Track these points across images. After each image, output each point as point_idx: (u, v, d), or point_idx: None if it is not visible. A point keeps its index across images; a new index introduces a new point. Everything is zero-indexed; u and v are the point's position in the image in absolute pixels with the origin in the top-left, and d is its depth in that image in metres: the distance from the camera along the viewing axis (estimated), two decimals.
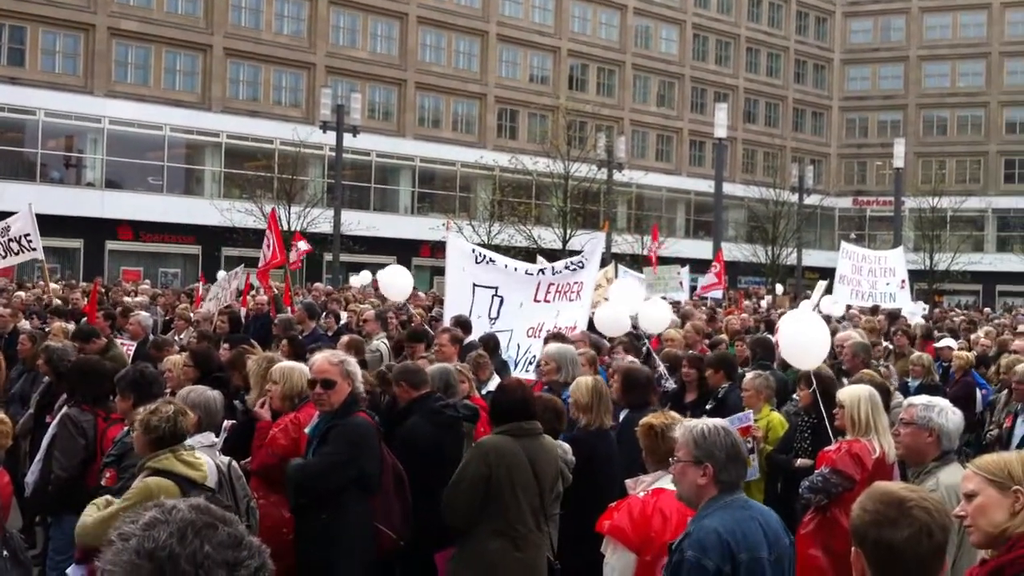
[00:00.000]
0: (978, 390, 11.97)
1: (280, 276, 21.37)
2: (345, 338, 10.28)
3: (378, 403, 7.82)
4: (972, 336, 16.04)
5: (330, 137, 38.19)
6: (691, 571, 3.84)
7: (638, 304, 10.68)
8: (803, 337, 7.69)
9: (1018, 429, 8.15)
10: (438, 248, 45.65)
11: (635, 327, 12.42)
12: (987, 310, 35.51)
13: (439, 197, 52.08)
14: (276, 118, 46.19)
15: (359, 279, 30.15)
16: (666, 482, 4.81)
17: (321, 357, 6.25)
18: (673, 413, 5.57)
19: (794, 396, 8.40)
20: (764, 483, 7.88)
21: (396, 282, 13.44)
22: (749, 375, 8.41)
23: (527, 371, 11.10)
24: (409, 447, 6.62)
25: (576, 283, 11.89)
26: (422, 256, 47.27)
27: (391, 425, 7.04)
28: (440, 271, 46.02)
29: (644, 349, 11.47)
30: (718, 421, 4.20)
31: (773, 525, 4.10)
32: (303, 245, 22.28)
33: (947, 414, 5.11)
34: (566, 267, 12.26)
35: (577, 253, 13.26)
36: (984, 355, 13.78)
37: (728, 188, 48.65)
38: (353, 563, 5.81)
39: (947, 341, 14.59)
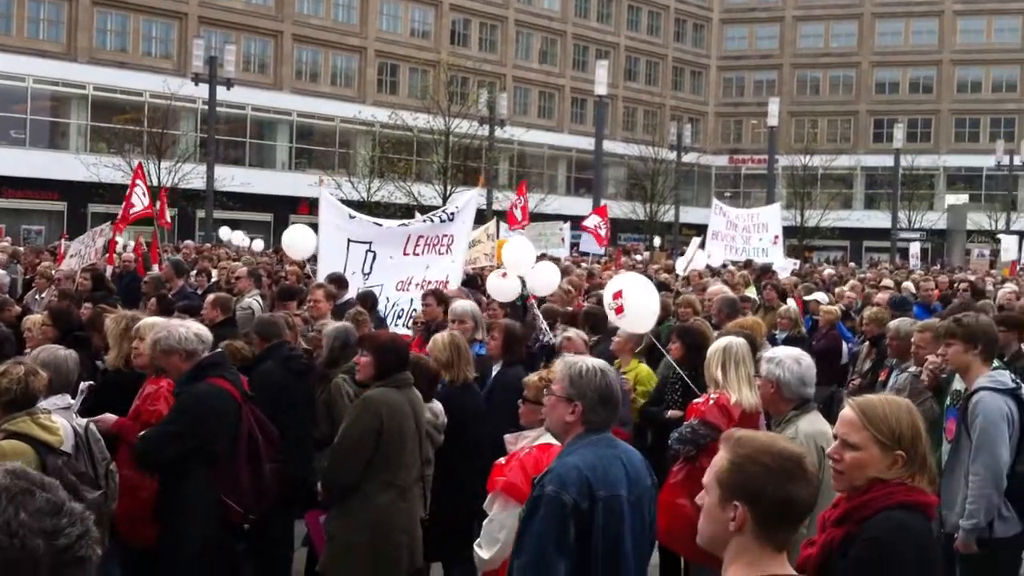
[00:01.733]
0: (844, 343, 12.34)
1: (149, 234, 20.69)
2: (210, 296, 9.97)
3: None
4: (837, 290, 16.52)
5: (203, 90, 37.15)
6: (549, 505, 3.82)
7: (528, 268, 10.67)
8: (632, 301, 7.70)
9: (891, 382, 8.38)
10: (316, 205, 44.62)
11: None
12: (852, 265, 36.74)
13: (317, 153, 51.13)
14: (146, 70, 44.55)
15: (237, 237, 29.43)
16: (551, 437, 4.80)
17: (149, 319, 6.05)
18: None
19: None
20: (634, 435, 7.97)
21: (297, 243, 13.05)
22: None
23: (396, 325, 11.00)
24: (258, 392, 6.46)
25: (446, 236, 11.76)
26: (300, 213, 46.22)
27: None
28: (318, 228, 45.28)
29: (524, 304, 11.46)
30: (598, 362, 4.17)
31: (636, 465, 4.10)
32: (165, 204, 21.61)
33: (787, 365, 5.13)
34: (437, 218, 12.14)
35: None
36: (849, 308, 14.20)
37: (609, 146, 49.08)
38: (190, 535, 5.59)
39: (817, 295, 14.97)
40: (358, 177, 43.23)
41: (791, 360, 5.18)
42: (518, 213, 22.89)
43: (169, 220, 22.13)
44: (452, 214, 12.09)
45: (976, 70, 66.45)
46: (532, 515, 3.88)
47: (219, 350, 6.02)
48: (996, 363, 6.05)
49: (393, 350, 5.98)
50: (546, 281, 10.67)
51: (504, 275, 9.90)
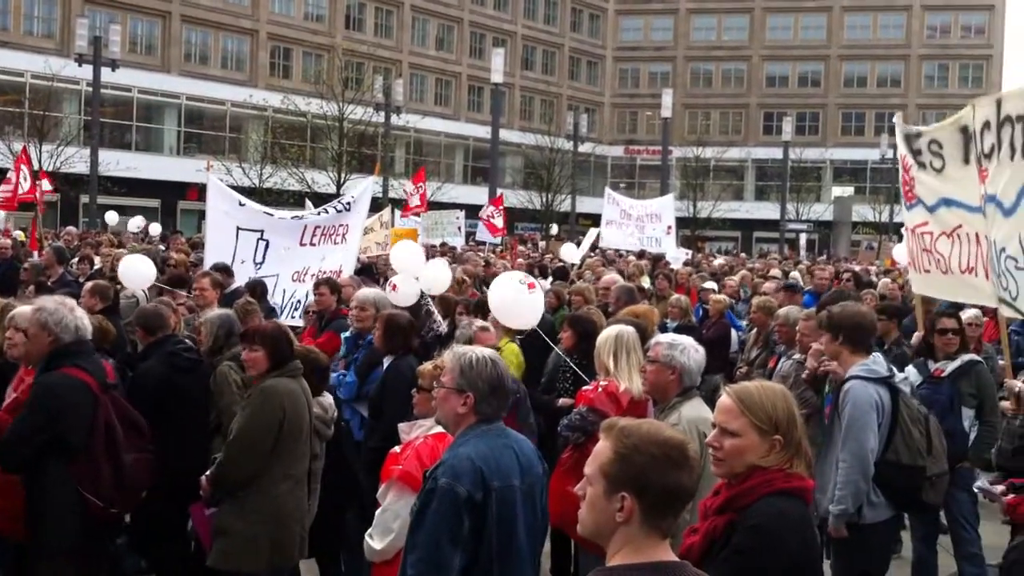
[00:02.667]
0: (733, 331, 12.54)
1: (29, 219, 19.92)
2: (88, 284, 9.59)
3: None
4: (724, 280, 16.80)
5: (87, 71, 36.11)
6: (443, 497, 3.79)
7: (420, 267, 10.57)
8: (512, 300, 7.66)
9: (779, 368, 8.51)
10: (205, 191, 43.61)
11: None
12: (743, 255, 37.53)
13: (207, 138, 50.01)
14: (27, 49, 42.91)
15: (135, 223, 28.54)
16: None
17: (22, 308, 5.76)
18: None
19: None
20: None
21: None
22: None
23: (293, 317, 10.81)
24: (140, 391, 6.23)
25: (342, 225, 11.61)
26: (189, 199, 45.23)
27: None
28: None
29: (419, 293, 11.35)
30: (488, 352, 4.16)
31: (527, 453, 4.10)
32: (47, 184, 20.86)
33: (689, 352, 5.22)
34: (334, 208, 11.94)
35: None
36: (735, 297, 14.45)
37: (505, 134, 49.14)
38: (53, 530, 5.36)
39: (708, 284, 15.20)
40: (249, 163, 42.40)
41: (692, 348, 5.25)
42: (416, 200, 22.69)
43: (45, 205, 21.29)
44: (349, 203, 11.92)
45: (862, 65, 68.54)
46: (425, 508, 3.84)
47: (69, 339, 5.68)
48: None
49: (283, 340, 5.88)
50: (439, 280, 10.55)
51: (395, 287, 9.76)
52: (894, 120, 9.39)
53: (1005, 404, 7.46)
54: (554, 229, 44.40)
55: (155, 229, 28.65)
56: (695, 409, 5.11)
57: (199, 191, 41.29)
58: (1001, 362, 8.25)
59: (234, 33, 51.40)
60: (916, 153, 8.41)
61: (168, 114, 49.23)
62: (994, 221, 6.93)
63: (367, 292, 8.82)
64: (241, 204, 11.63)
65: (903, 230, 9.23)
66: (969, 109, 7.52)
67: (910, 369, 7.27)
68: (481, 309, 9.10)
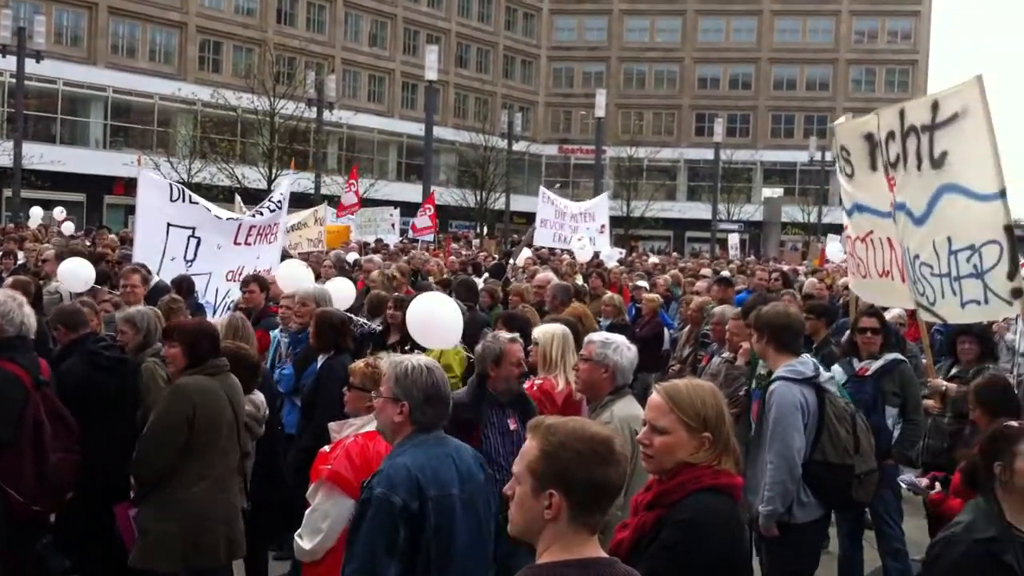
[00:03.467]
0: (665, 329, 12.65)
1: None
2: (9, 279, 9.34)
3: None
4: (655, 279, 16.95)
5: (10, 62, 35.37)
6: (378, 507, 3.77)
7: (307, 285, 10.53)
8: (431, 318, 7.47)
9: (709, 366, 8.58)
10: (133, 185, 42.74)
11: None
12: (675, 254, 37.88)
13: (135, 131, 48.96)
14: None
15: (58, 213, 27.85)
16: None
17: None
18: (384, 355, 5.45)
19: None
20: None
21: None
22: None
23: (225, 315, 10.64)
24: (62, 391, 6.09)
25: (275, 224, 11.55)
26: (116, 194, 44.32)
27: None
28: (135, 210, 43.40)
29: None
30: (425, 360, 4.14)
31: (468, 461, 4.08)
32: None
33: (622, 351, 5.24)
34: (267, 209, 11.83)
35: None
36: (668, 296, 14.59)
37: (439, 132, 49.03)
38: None
39: (640, 283, 15.31)
40: (178, 158, 41.69)
41: (624, 346, 5.28)
42: (351, 197, 22.48)
43: None
44: (280, 202, 11.83)
45: (791, 69, 69.58)
46: (361, 518, 3.83)
47: (12, 333, 5.56)
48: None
49: (203, 336, 5.81)
50: (295, 277, 10.41)
51: (310, 240, 9.68)
52: (835, 125, 9.45)
53: (929, 402, 7.63)
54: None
55: (68, 228, 27.91)
56: (627, 407, 5.12)
57: (126, 185, 40.57)
58: (924, 361, 8.43)
59: (162, 25, 50.45)
60: (836, 159, 8.61)
61: (94, 107, 48.15)
62: (906, 229, 7.07)
63: (307, 288, 8.82)
64: (173, 199, 11.37)
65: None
66: (873, 117, 7.64)
67: (836, 368, 7.31)
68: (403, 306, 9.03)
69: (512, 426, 5.35)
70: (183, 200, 11.31)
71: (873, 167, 7.79)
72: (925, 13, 68.36)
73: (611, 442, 2.70)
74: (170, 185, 11.57)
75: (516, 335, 5.64)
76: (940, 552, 3.90)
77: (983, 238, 6.48)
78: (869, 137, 7.77)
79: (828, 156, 57.10)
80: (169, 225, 11.12)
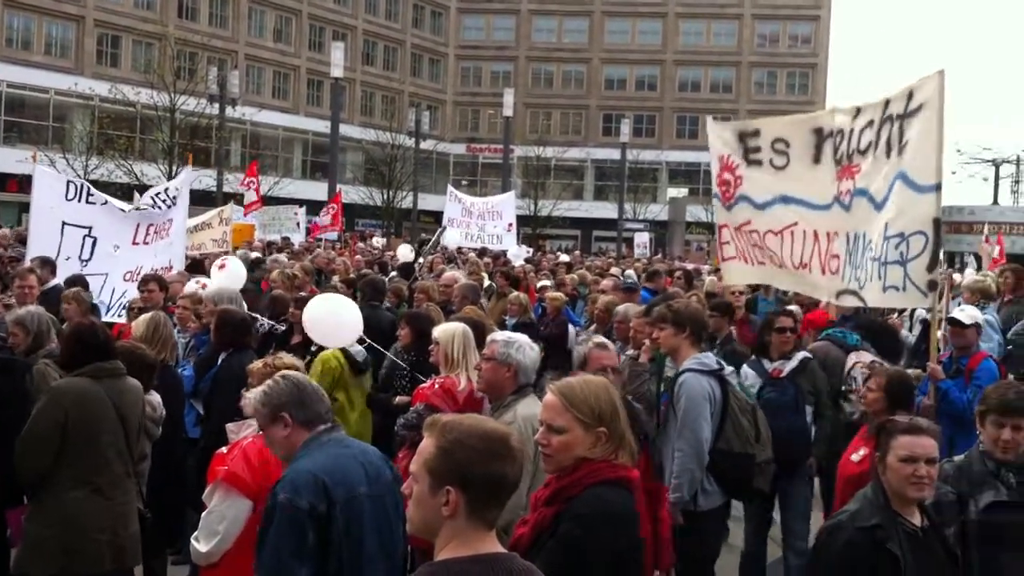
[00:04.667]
0: (571, 327, 12.68)
1: None
2: None
3: None
4: (560, 277, 17.03)
5: None
6: (283, 513, 3.74)
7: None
8: (329, 317, 7.42)
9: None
10: (27, 183, 41.49)
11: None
12: (577, 253, 38.17)
13: (29, 127, 47.41)
14: None
15: None
16: None
17: None
18: (284, 355, 5.36)
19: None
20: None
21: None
22: None
23: (120, 316, 10.42)
24: None
25: (169, 220, 11.31)
26: (9, 191, 42.88)
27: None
28: (29, 208, 42.07)
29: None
30: (286, 370, 4.24)
31: (374, 461, 4.07)
32: None
33: (525, 350, 5.27)
34: (163, 204, 11.55)
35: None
36: (574, 295, 14.66)
37: (346, 130, 48.58)
38: None
39: (545, 282, 15.36)
40: (74, 154, 40.51)
41: (527, 345, 5.31)
42: (251, 195, 22.04)
43: None
44: (175, 197, 11.59)
45: (696, 71, 70.71)
46: (267, 526, 3.79)
47: None
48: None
49: (80, 339, 5.69)
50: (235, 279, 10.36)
51: (214, 240, 9.56)
52: (709, 124, 9.51)
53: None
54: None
55: None
56: (530, 406, 5.12)
57: (19, 183, 39.24)
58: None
59: (59, 18, 48.92)
60: (752, 151, 8.57)
61: None
62: (866, 215, 7.20)
63: (210, 290, 8.83)
64: (69, 198, 11.08)
65: (719, 228, 9.43)
66: (828, 113, 7.82)
67: (747, 370, 7.33)
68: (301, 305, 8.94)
69: None
70: (79, 199, 11.09)
71: (816, 160, 7.90)
72: (824, 18, 70.12)
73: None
74: (67, 182, 11.34)
75: (604, 340, 5.26)
76: (827, 539, 4.02)
77: (913, 228, 6.69)
78: (819, 131, 7.88)
79: None
80: (64, 224, 10.92)
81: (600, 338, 5.03)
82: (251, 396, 4.21)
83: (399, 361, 7.73)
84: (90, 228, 11.00)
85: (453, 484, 2.64)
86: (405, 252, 19.69)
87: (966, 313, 7.79)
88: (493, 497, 2.67)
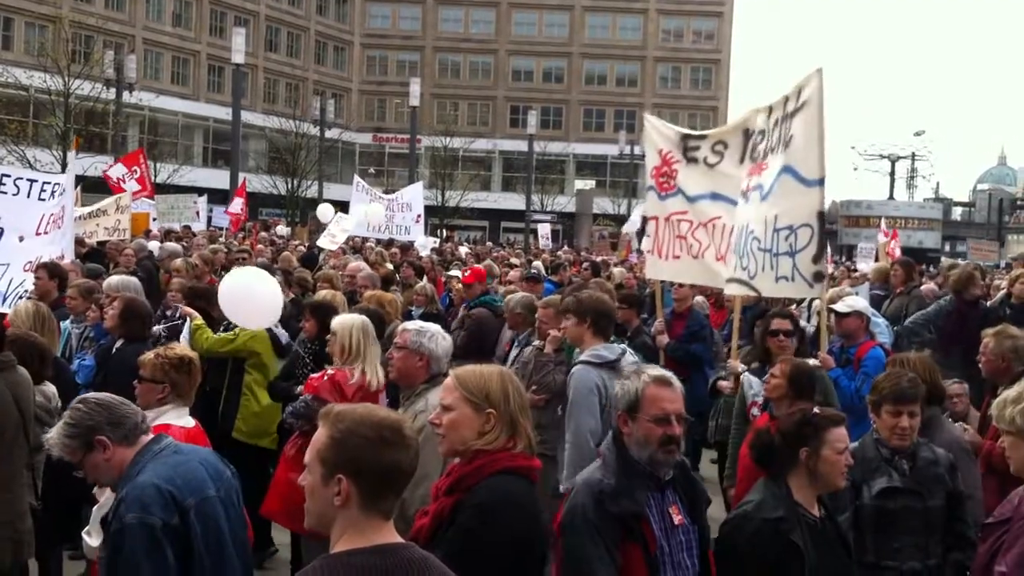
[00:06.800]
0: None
1: None
2: None
3: None
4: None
5: None
6: (135, 534, 3.56)
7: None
8: (248, 295, 7.28)
9: (512, 353, 8.66)
10: None
11: None
12: (489, 244, 38.20)
13: None
14: None
15: None
16: (171, 417, 4.66)
17: None
18: (176, 344, 5.31)
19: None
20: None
21: None
22: None
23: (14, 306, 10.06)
24: None
25: (61, 208, 10.97)
26: None
27: None
28: None
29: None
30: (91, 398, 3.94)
31: (212, 462, 3.98)
32: None
33: (437, 339, 5.27)
34: (57, 193, 11.20)
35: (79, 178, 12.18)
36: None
37: (249, 117, 47.71)
38: None
39: (453, 272, 15.29)
40: None
41: (440, 335, 5.31)
42: (134, 184, 21.31)
43: None
44: (60, 184, 11.26)
45: (602, 64, 71.34)
46: (118, 552, 3.59)
47: None
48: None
49: None
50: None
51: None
52: (647, 118, 9.74)
53: (724, 384, 7.89)
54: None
55: None
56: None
57: None
58: (727, 346, 8.75)
59: None
60: (691, 149, 8.80)
61: None
62: (755, 206, 7.39)
63: (111, 280, 8.67)
64: None
65: (643, 217, 9.63)
66: (753, 113, 8.02)
67: (750, 378, 7.03)
68: (194, 295, 8.77)
69: (676, 518, 3.79)
70: None
71: (741, 159, 8.15)
72: (727, 15, 71.35)
73: (400, 426, 2.70)
74: None
75: (666, 375, 3.89)
76: (732, 530, 4.06)
77: (800, 220, 6.95)
78: (746, 132, 8.14)
79: (637, 150, 59.05)
80: None
81: (659, 371, 3.89)
82: (52, 435, 3.87)
83: (301, 351, 7.62)
84: None
85: (345, 473, 2.61)
86: (325, 212, 19.41)
87: (844, 303, 7.95)
88: (386, 486, 2.65)
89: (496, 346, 9.56)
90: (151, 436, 3.94)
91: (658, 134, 9.25)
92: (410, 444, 2.69)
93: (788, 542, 3.92)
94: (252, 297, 7.19)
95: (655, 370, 3.91)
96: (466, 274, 11.57)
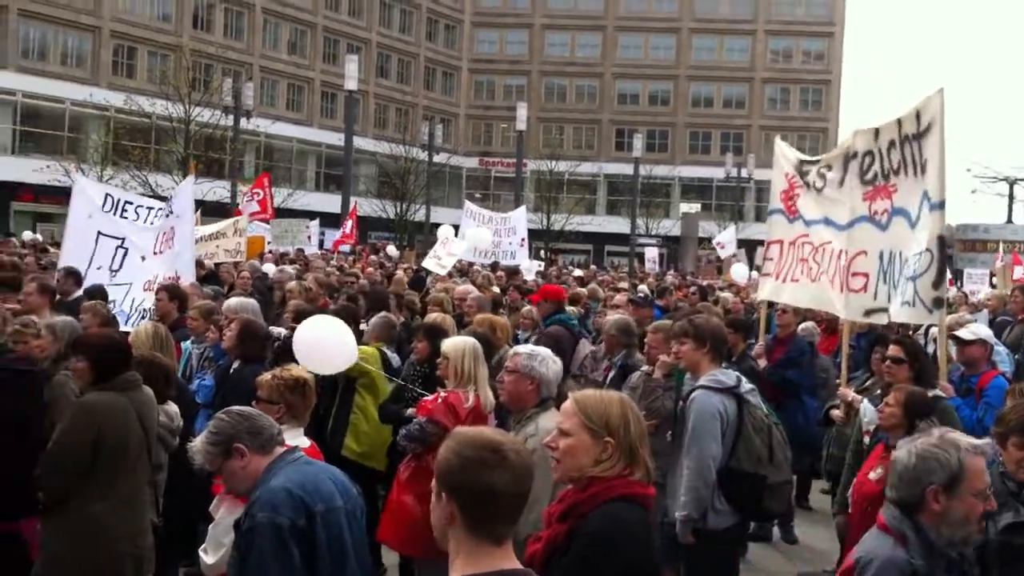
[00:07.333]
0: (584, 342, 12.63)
1: None
2: None
3: None
4: (574, 292, 16.95)
5: None
6: (265, 532, 3.69)
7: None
8: (321, 344, 6.96)
9: (629, 379, 8.64)
10: (42, 192, 41.92)
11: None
12: (593, 267, 38.08)
13: (45, 137, 47.48)
14: None
15: None
16: (287, 437, 4.62)
17: None
18: (293, 366, 5.41)
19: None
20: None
21: None
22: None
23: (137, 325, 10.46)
24: None
25: (171, 228, 11.39)
26: (23, 200, 43.09)
27: None
28: (44, 217, 42.36)
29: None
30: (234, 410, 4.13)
31: (341, 478, 4.12)
32: None
33: (548, 363, 5.26)
34: (164, 214, 11.66)
35: (198, 203, 12.66)
36: (587, 308, 14.62)
37: (359, 142, 48.64)
38: None
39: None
40: (89, 164, 40.68)
41: (551, 359, 5.30)
42: (255, 207, 22.04)
43: None
44: (171, 208, 11.71)
45: (708, 86, 70.71)
46: (248, 550, 3.73)
47: None
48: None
49: (110, 350, 5.60)
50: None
51: (227, 251, 9.60)
52: (776, 142, 9.93)
53: (836, 412, 7.72)
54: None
55: None
56: (552, 419, 5.06)
57: (34, 192, 39.45)
58: (839, 374, 8.58)
59: (75, 29, 49.14)
60: (804, 174, 8.93)
61: (2, 112, 46.70)
62: (902, 233, 7.29)
63: (231, 302, 8.85)
64: (105, 210, 11.38)
65: (768, 244, 9.67)
66: (852, 136, 8.00)
67: (867, 406, 6.81)
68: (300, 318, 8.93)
69: None
70: (115, 212, 11.36)
71: (841, 183, 8.17)
72: (838, 34, 70.08)
73: (501, 447, 2.69)
74: (106, 194, 11.64)
75: (981, 442, 3.65)
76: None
77: (922, 246, 6.84)
78: (846, 155, 8.14)
79: (744, 173, 58.35)
80: (99, 234, 11.21)
81: (971, 439, 3.57)
82: (196, 443, 4.07)
83: (411, 372, 7.71)
84: (123, 239, 11.25)
85: (447, 493, 2.65)
86: (446, 233, 19.71)
87: (968, 329, 7.71)
88: (485, 508, 2.63)
89: (572, 364, 9.53)
90: (285, 448, 4.08)
91: (785, 159, 9.30)
92: (510, 466, 2.66)
93: None
94: (322, 346, 7.15)
95: (968, 438, 3.60)
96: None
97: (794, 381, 9.57)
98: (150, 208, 11.74)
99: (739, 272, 24.00)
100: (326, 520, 3.81)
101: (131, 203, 11.62)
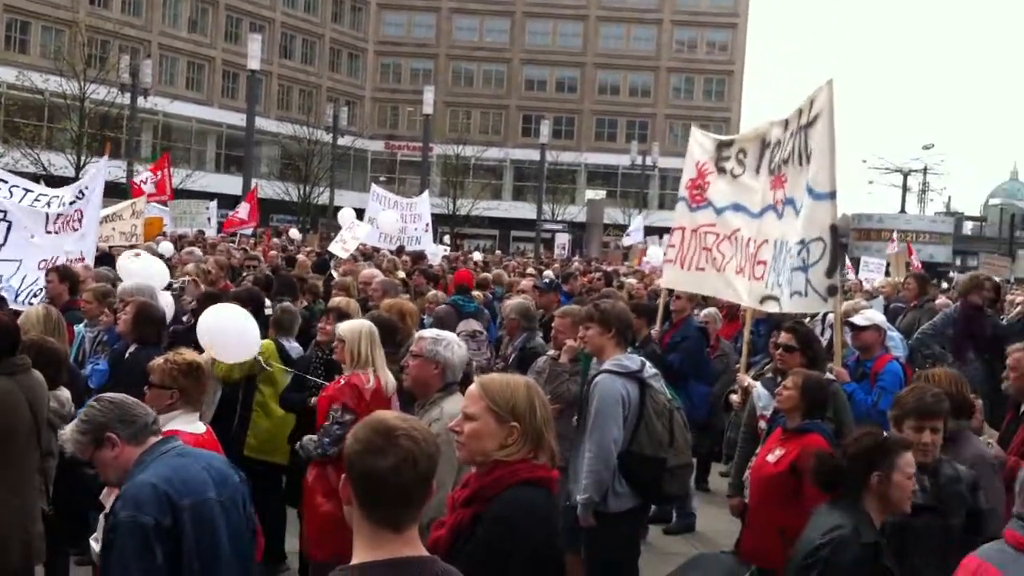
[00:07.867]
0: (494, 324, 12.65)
1: None
2: None
3: None
4: (480, 277, 16.96)
5: None
6: (126, 532, 3.59)
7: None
8: (225, 330, 6.92)
9: (535, 364, 8.64)
10: None
11: None
12: (499, 252, 38.18)
13: None
14: None
15: None
16: (181, 423, 4.61)
17: None
18: (185, 350, 5.19)
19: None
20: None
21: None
22: None
23: (30, 303, 10.09)
24: None
25: (78, 211, 11.01)
26: None
27: None
28: None
29: (178, 287, 10.90)
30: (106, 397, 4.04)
31: (218, 466, 4.01)
32: None
33: (453, 347, 5.25)
34: (74, 197, 11.26)
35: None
36: (491, 294, 14.63)
37: (262, 123, 47.82)
38: None
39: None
40: None
41: (456, 343, 5.30)
42: (151, 187, 21.45)
43: None
44: (83, 190, 11.31)
45: (615, 74, 71.33)
46: (110, 548, 3.63)
47: None
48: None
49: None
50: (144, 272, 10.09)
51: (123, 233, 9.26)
52: (692, 131, 9.93)
53: (734, 398, 7.84)
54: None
55: None
56: (456, 404, 5.04)
57: None
58: (738, 359, 8.72)
59: None
60: (723, 159, 8.92)
61: None
62: (791, 223, 7.39)
63: (127, 285, 8.55)
64: None
65: (675, 230, 9.68)
66: (769, 125, 8.06)
67: (760, 391, 6.92)
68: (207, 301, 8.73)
69: None
70: None
71: (757, 170, 8.24)
72: (742, 25, 71.30)
73: (394, 432, 2.61)
74: None
75: None
76: (832, 555, 4.02)
77: (813, 234, 6.94)
78: (763, 142, 8.20)
79: (649, 160, 59.04)
80: None
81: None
82: (66, 432, 3.98)
83: (314, 356, 7.58)
84: (5, 212, 10.72)
85: (347, 476, 2.62)
86: (346, 216, 19.51)
87: (863, 315, 7.89)
88: (376, 493, 2.56)
89: None
90: (159, 437, 3.96)
91: (699, 147, 9.37)
92: (397, 451, 2.58)
93: (884, 568, 3.99)
94: (225, 332, 6.99)
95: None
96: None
97: (671, 364, 9.50)
98: (27, 190, 11.25)
99: (655, 255, 24.16)
100: (195, 514, 3.71)
101: (5, 181, 11.13)
